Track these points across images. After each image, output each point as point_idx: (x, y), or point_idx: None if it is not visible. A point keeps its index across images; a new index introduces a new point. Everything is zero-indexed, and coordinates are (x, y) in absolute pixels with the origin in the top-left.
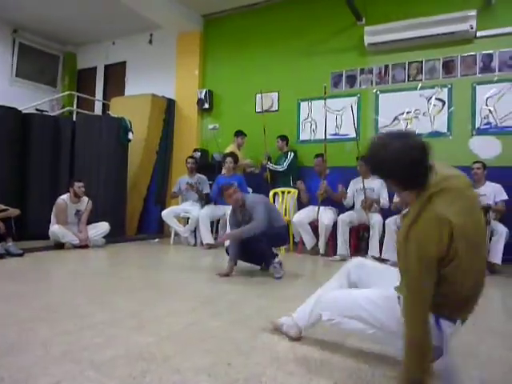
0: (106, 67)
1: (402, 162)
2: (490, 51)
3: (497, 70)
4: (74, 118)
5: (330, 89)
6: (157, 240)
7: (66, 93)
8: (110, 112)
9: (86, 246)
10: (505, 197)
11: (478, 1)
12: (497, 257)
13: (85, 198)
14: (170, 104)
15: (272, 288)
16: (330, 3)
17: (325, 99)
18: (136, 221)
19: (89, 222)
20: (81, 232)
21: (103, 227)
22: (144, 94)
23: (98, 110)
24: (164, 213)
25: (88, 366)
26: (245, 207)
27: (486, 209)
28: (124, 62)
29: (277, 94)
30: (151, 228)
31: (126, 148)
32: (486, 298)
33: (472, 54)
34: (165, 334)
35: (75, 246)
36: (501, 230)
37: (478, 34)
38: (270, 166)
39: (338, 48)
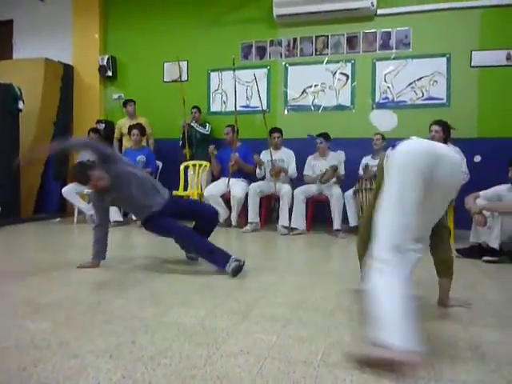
0: None
1: None
2: (389, 29)
3: (394, 47)
4: None
5: (241, 60)
6: (58, 219)
7: None
8: None
9: None
10: None
11: None
12: None
13: None
14: (68, 70)
15: (180, 263)
16: None
17: (234, 70)
18: (33, 199)
19: None
20: None
21: None
22: (36, 58)
23: None
24: (65, 189)
25: None
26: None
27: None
28: (10, 21)
29: (186, 63)
30: (51, 206)
31: (17, 118)
32: None
33: (373, 31)
34: (62, 319)
35: None
36: None
37: (379, 11)
38: (196, 125)
39: (248, 18)
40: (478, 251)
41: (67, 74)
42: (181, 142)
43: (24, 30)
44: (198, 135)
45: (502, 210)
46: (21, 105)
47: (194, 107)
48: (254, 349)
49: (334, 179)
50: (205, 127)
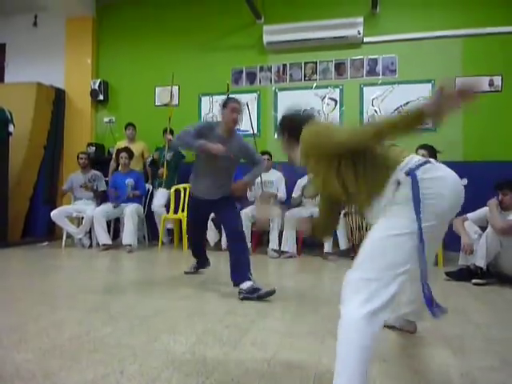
0: None
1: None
2: (375, 56)
3: (381, 73)
4: None
5: (232, 85)
6: (46, 243)
7: None
8: None
9: None
10: None
11: (365, 9)
12: None
13: None
14: (60, 94)
15: (169, 287)
16: (230, 0)
17: (227, 95)
18: (21, 223)
19: None
20: None
21: None
22: (28, 82)
23: None
24: (54, 213)
25: None
26: None
27: None
28: (3, 45)
29: (177, 87)
30: (39, 230)
31: (6, 142)
32: None
33: (360, 57)
34: (48, 348)
35: None
36: None
37: (365, 39)
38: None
39: (239, 45)
40: (467, 274)
41: (59, 97)
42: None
43: (17, 54)
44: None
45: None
46: (11, 128)
47: (166, 130)
48: (245, 378)
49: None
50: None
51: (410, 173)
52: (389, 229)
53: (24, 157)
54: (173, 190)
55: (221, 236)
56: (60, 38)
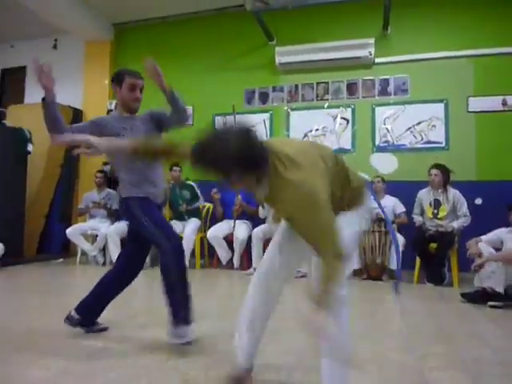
0: (3, 72)
1: (248, 151)
2: (387, 76)
3: (392, 93)
4: None
5: (244, 105)
6: (61, 260)
7: None
8: (6, 121)
9: None
10: (403, 209)
11: (376, 30)
12: (394, 263)
13: None
14: (77, 114)
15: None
16: (242, 22)
17: (234, 116)
18: (36, 240)
19: None
20: None
21: None
22: None
23: None
24: (69, 230)
25: None
26: None
27: (381, 220)
28: (24, 67)
29: (191, 108)
30: (55, 247)
31: (25, 161)
32: (385, 302)
33: (371, 78)
34: (63, 366)
35: None
36: (399, 239)
37: (377, 60)
38: (188, 207)
39: (251, 65)
40: (482, 296)
41: (76, 117)
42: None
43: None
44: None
45: (503, 260)
46: (30, 147)
47: (174, 164)
48: None
49: None
50: (190, 189)
51: None
52: None
53: (41, 175)
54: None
55: (233, 254)
56: (79, 60)
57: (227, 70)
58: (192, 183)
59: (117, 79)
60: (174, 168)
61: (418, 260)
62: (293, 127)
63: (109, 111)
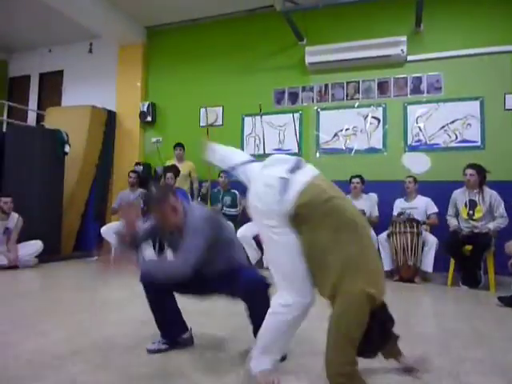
0: (41, 76)
1: None
2: (419, 74)
3: (425, 91)
4: (4, 129)
5: (274, 105)
6: (95, 258)
7: None
8: (44, 123)
9: (15, 267)
10: (436, 210)
11: (409, 27)
12: (428, 265)
13: (14, 215)
14: (111, 116)
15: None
16: (272, 23)
17: (261, 116)
18: (73, 238)
19: (20, 241)
20: (9, 251)
21: (35, 246)
22: (83, 105)
23: (31, 121)
24: (103, 229)
25: None
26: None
27: (417, 222)
28: (61, 71)
29: (221, 108)
30: (90, 245)
31: (63, 162)
32: (419, 304)
33: (403, 76)
34: (99, 362)
35: (3, 267)
36: (431, 240)
37: (409, 58)
38: (225, 210)
39: (281, 66)
40: None
41: (110, 119)
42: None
43: (73, 79)
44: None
45: None
46: (67, 148)
47: (223, 171)
48: None
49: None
50: (233, 196)
51: None
52: None
53: (78, 175)
54: None
55: (262, 254)
56: (112, 63)
57: (257, 70)
58: (236, 191)
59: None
60: (221, 175)
61: (452, 262)
62: (322, 127)
63: (141, 112)
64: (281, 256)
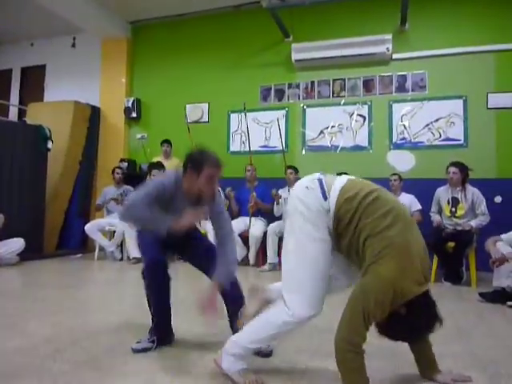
0: (23, 70)
1: None
2: (404, 73)
3: (410, 90)
4: None
5: (260, 102)
6: (79, 255)
7: None
8: (26, 119)
9: None
10: (419, 207)
11: (394, 26)
12: None
13: None
14: (95, 112)
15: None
16: (258, 19)
17: (245, 114)
18: (56, 235)
19: (1, 239)
20: None
21: (17, 244)
22: (66, 100)
23: (13, 116)
24: (87, 226)
25: None
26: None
27: None
28: (44, 66)
29: (207, 104)
30: (73, 243)
31: (45, 158)
32: None
33: (389, 74)
34: (83, 360)
35: None
36: None
37: (394, 56)
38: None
39: (267, 62)
40: (501, 296)
41: (94, 115)
42: None
43: (56, 74)
44: None
45: None
46: (50, 144)
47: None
48: None
49: None
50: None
51: None
52: None
53: (61, 171)
54: None
55: (248, 251)
56: (96, 58)
57: (243, 66)
58: (219, 189)
59: (195, 167)
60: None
61: (435, 258)
62: (308, 124)
63: (126, 108)
64: (306, 270)
